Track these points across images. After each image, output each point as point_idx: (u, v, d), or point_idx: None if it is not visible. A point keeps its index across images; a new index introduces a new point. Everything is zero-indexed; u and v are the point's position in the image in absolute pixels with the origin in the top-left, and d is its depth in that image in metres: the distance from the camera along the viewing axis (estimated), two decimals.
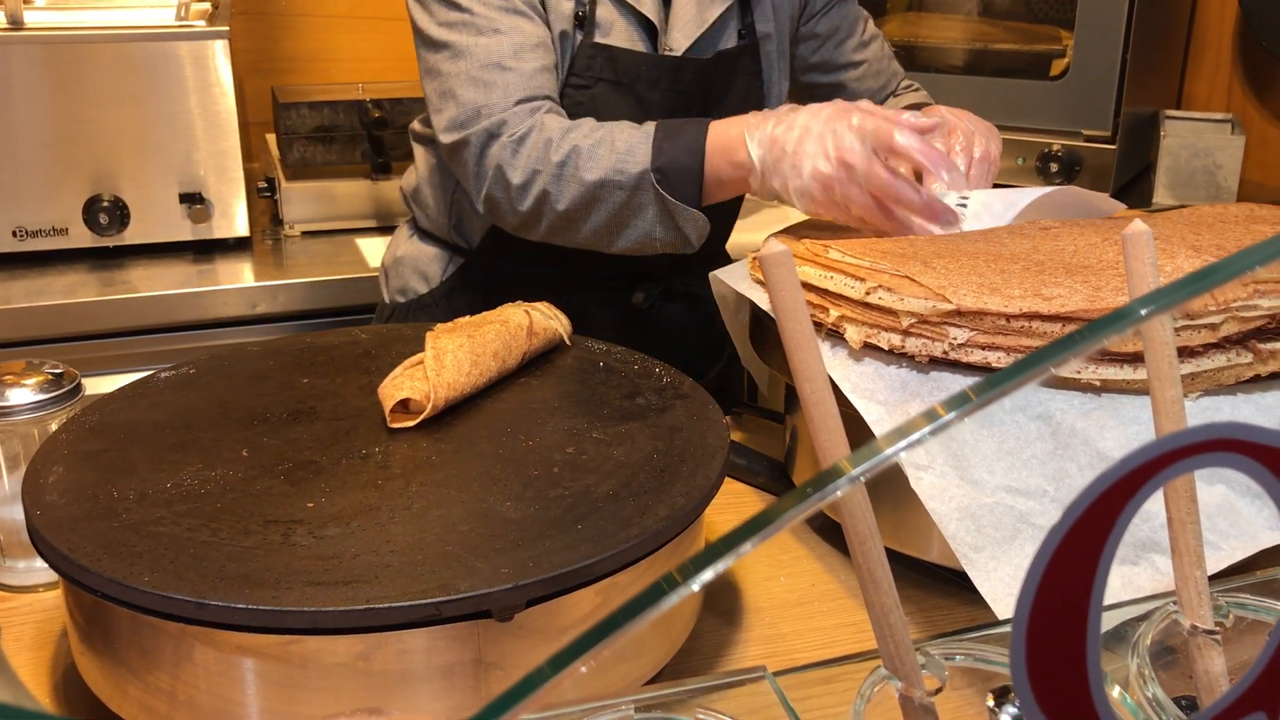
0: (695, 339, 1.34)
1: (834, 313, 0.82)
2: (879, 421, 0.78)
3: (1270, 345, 0.74)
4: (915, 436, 0.32)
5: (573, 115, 1.16)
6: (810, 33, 1.33)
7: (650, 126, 1.05)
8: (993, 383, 0.32)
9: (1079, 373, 0.74)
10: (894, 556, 0.87)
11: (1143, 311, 0.35)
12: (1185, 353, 0.74)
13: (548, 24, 1.14)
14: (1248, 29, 2.15)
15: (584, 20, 1.16)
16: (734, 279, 0.98)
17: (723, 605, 0.85)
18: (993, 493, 0.73)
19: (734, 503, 1.00)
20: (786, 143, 0.97)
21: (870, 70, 1.35)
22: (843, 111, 0.96)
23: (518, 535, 0.67)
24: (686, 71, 1.18)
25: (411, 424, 0.81)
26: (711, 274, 1.01)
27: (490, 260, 1.29)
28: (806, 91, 1.38)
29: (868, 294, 0.80)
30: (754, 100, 1.27)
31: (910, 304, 0.78)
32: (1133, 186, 2.07)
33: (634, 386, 0.89)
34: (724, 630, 0.82)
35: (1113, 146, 1.93)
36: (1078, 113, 1.95)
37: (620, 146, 1.04)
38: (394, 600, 0.60)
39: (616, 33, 1.17)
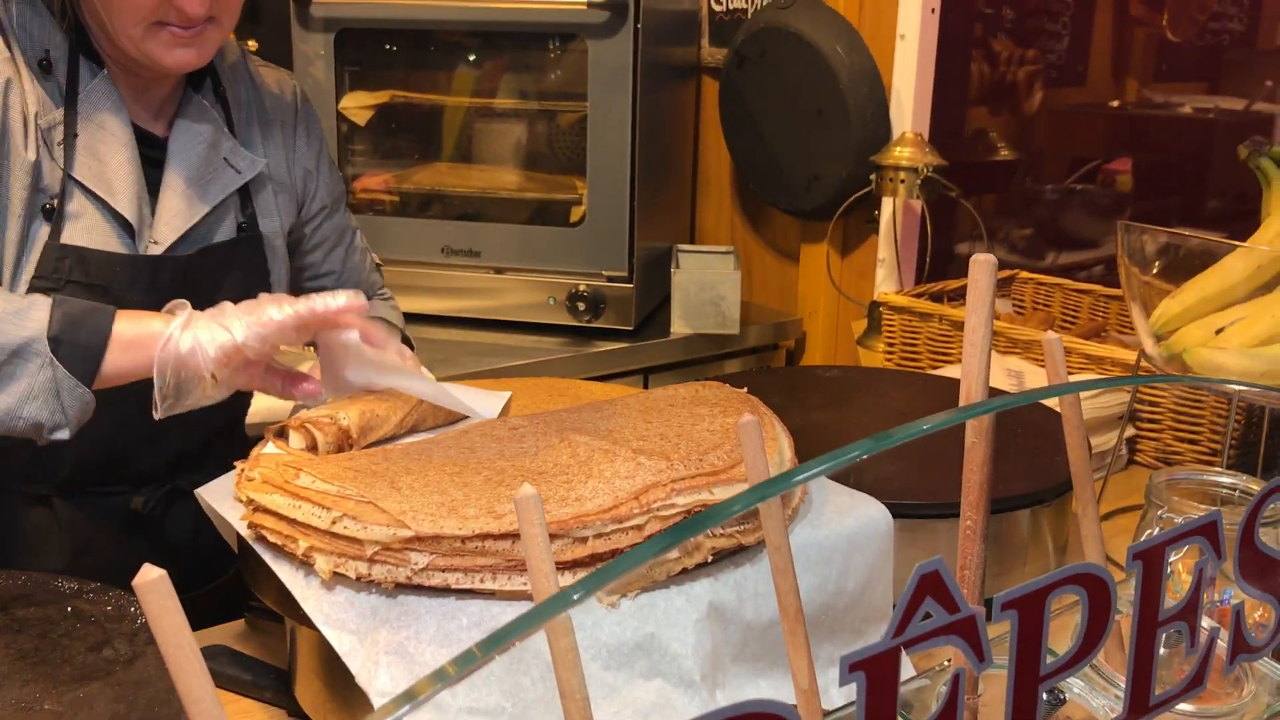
0: (209, 539, 1.29)
1: (303, 543, 0.83)
2: (351, 652, 0.79)
3: (693, 539, 0.84)
4: None
5: None
6: (303, 236, 1.35)
7: (45, 298, 0.99)
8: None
9: (525, 585, 0.79)
10: None
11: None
12: (616, 554, 0.81)
13: None
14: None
15: (52, 213, 1.10)
16: (218, 498, 0.96)
17: None
18: (455, 715, 0.76)
19: None
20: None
21: (348, 281, 1.40)
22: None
23: None
24: (165, 271, 1.16)
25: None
26: (197, 491, 0.99)
27: None
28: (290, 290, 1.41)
29: (333, 523, 0.82)
30: (257, 293, 1.26)
31: (373, 532, 0.81)
32: (654, 317, 2.26)
33: (104, 634, 0.85)
34: None
35: (630, 285, 2.11)
36: (598, 255, 2.11)
37: (7, 308, 0.97)
38: None
39: (88, 227, 1.13)
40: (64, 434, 0.99)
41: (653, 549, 0.41)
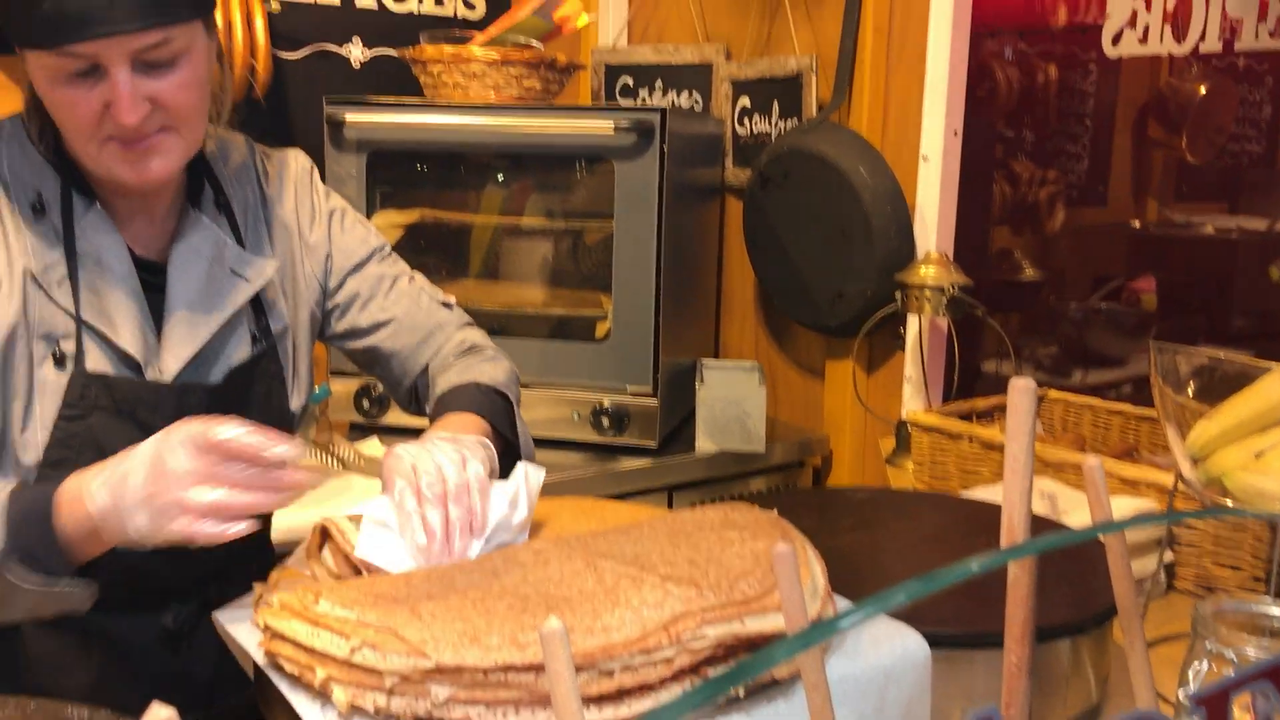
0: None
1: (321, 673, 0.81)
2: None
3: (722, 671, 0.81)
4: None
5: (70, 448, 1.09)
6: (333, 305, 1.33)
7: (4, 496, 0.99)
8: None
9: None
10: None
11: None
12: (644, 689, 0.78)
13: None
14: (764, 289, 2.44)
15: (63, 359, 1.09)
16: (235, 623, 0.94)
17: None
18: None
19: None
20: (125, 480, 0.95)
21: (403, 326, 1.33)
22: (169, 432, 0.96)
23: None
24: (193, 397, 1.14)
25: None
26: (214, 614, 0.97)
27: None
28: (349, 359, 1.39)
29: (352, 652, 0.79)
30: (278, 401, 1.25)
31: (393, 663, 0.78)
32: (679, 433, 2.24)
33: None
34: None
35: (654, 400, 2.09)
36: (622, 370, 2.11)
37: None
38: None
39: (97, 361, 1.11)
40: (90, 602, 1.02)
41: (689, 704, 0.39)
